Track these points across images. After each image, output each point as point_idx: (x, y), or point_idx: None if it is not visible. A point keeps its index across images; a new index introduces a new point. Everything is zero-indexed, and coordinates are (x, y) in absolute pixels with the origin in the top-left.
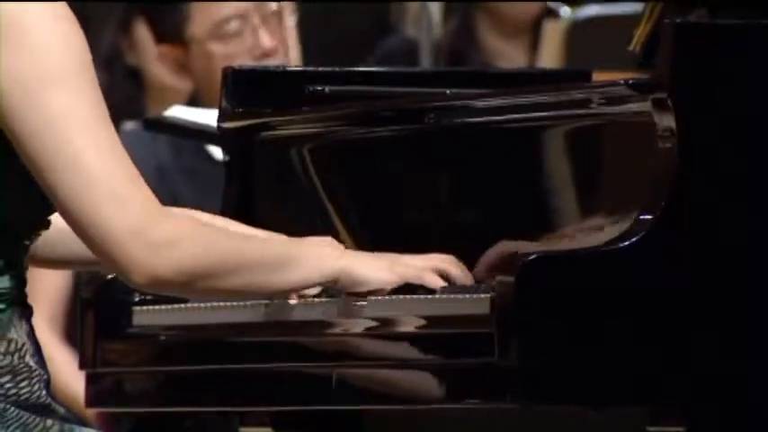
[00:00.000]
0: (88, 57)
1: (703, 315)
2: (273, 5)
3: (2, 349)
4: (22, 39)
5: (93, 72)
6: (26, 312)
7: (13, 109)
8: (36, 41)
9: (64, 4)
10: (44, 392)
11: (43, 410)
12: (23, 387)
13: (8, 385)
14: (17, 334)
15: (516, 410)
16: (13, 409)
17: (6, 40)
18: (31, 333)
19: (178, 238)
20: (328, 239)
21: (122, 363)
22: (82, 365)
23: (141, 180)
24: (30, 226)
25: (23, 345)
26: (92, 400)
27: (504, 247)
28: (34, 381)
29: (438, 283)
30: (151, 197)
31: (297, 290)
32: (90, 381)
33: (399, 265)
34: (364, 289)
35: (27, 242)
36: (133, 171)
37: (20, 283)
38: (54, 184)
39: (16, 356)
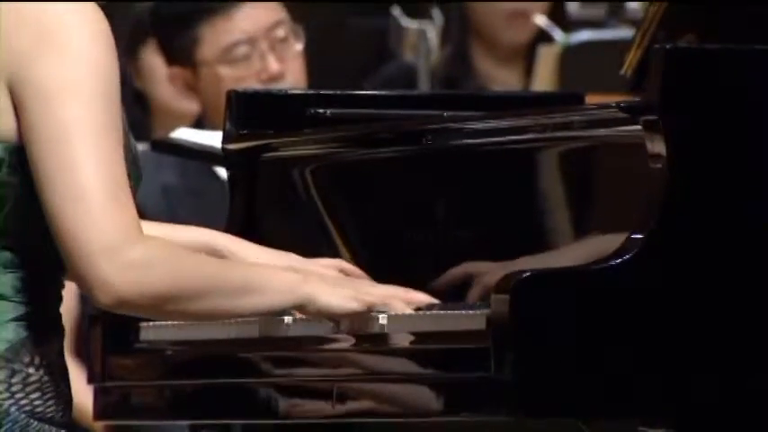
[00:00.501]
0: (115, 76)
1: (694, 331)
2: (281, 32)
3: (36, 362)
4: (58, 48)
5: (116, 93)
6: (59, 332)
7: (31, 113)
8: (71, 54)
9: (104, 20)
10: (68, 413)
11: (65, 428)
12: (50, 406)
13: (36, 402)
14: (48, 350)
15: (511, 423)
16: (36, 423)
17: (45, 46)
18: (61, 353)
19: (148, 262)
20: (295, 259)
21: (129, 377)
22: (90, 380)
23: (130, 203)
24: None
25: (53, 363)
26: (100, 413)
27: (468, 268)
28: (60, 401)
29: (404, 308)
30: (132, 220)
31: (261, 314)
32: (98, 394)
33: (364, 293)
34: (329, 316)
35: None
36: (124, 192)
37: (57, 302)
38: (46, 188)
39: (46, 373)
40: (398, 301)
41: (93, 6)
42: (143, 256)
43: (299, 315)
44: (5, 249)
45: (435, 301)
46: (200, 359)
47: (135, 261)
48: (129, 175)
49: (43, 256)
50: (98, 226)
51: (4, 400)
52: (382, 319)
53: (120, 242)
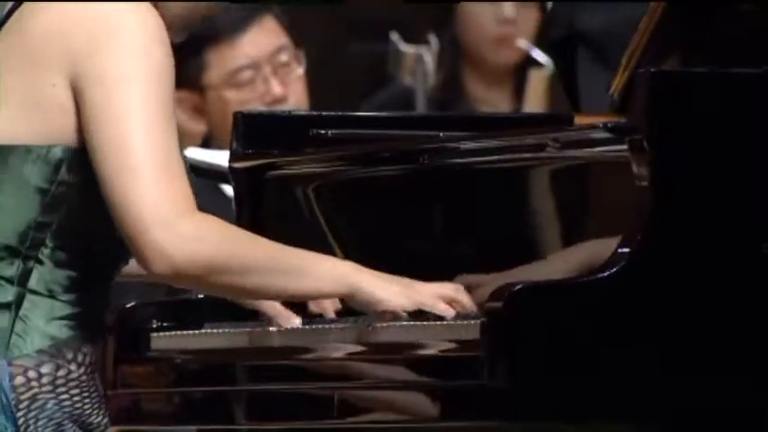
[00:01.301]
0: (167, 68)
1: (678, 339)
2: (283, 56)
3: (78, 360)
4: (117, 42)
5: (168, 80)
6: (101, 335)
7: (90, 103)
8: (128, 47)
9: (159, 19)
10: (102, 414)
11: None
12: (86, 404)
13: (75, 398)
14: (92, 351)
15: (506, 427)
16: (70, 425)
17: (104, 41)
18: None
19: (202, 234)
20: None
21: (140, 384)
22: (103, 387)
23: (184, 179)
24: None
25: (94, 364)
26: (113, 419)
27: (463, 280)
28: (96, 401)
29: (448, 311)
30: (187, 195)
31: (309, 298)
32: (111, 401)
33: (413, 291)
34: (378, 309)
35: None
36: (178, 169)
37: (105, 305)
38: (104, 170)
39: (86, 372)
40: (443, 304)
41: (149, 7)
42: (198, 228)
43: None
44: (59, 249)
45: (474, 307)
46: (207, 367)
47: (191, 233)
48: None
49: (95, 258)
50: (151, 197)
51: (45, 393)
52: (381, 329)
53: (173, 214)
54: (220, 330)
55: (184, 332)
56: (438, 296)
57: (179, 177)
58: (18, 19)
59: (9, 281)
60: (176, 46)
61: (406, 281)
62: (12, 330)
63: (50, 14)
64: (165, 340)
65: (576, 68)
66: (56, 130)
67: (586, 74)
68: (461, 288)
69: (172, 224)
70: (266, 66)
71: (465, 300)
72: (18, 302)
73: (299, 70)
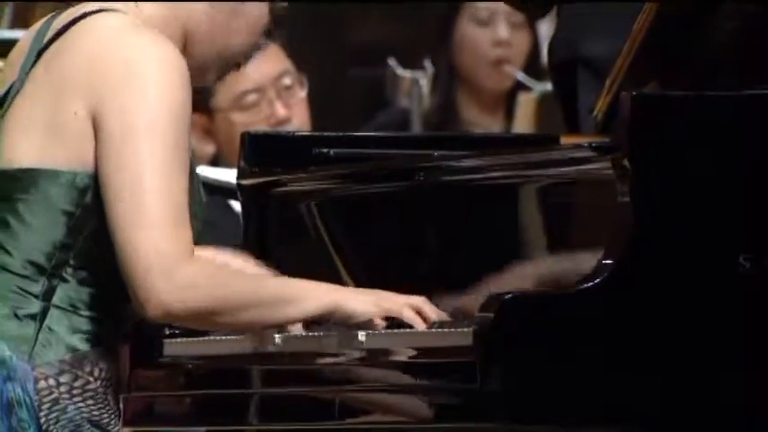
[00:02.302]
0: (186, 115)
1: (660, 346)
2: (287, 80)
3: (95, 373)
4: (139, 83)
5: (186, 129)
6: (119, 352)
7: (107, 138)
8: (150, 89)
9: (181, 60)
10: (117, 424)
11: None
12: (103, 415)
13: (92, 407)
14: (111, 365)
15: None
16: (89, 426)
17: (127, 80)
18: (118, 372)
19: (197, 281)
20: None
21: (154, 388)
22: (118, 390)
23: (188, 225)
24: None
25: (113, 377)
26: (127, 420)
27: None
28: (112, 411)
29: (415, 318)
30: (189, 241)
31: (295, 322)
32: (126, 404)
33: (384, 301)
34: (354, 321)
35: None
36: (185, 216)
37: (126, 321)
38: (112, 207)
39: (103, 385)
40: (411, 311)
41: (173, 48)
42: (192, 275)
43: (304, 332)
44: (82, 268)
45: (443, 314)
46: (216, 371)
47: (185, 280)
48: (192, 213)
49: (115, 278)
50: (156, 245)
51: (65, 399)
52: (381, 335)
53: (174, 263)
54: (228, 337)
55: (195, 339)
56: (405, 305)
57: (185, 225)
58: (51, 52)
59: (35, 296)
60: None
61: (377, 292)
62: (36, 339)
63: (81, 49)
64: (176, 347)
65: (578, 93)
66: (81, 156)
67: (589, 99)
68: (426, 300)
69: (171, 273)
70: (271, 89)
71: (429, 310)
72: (43, 315)
73: (302, 93)
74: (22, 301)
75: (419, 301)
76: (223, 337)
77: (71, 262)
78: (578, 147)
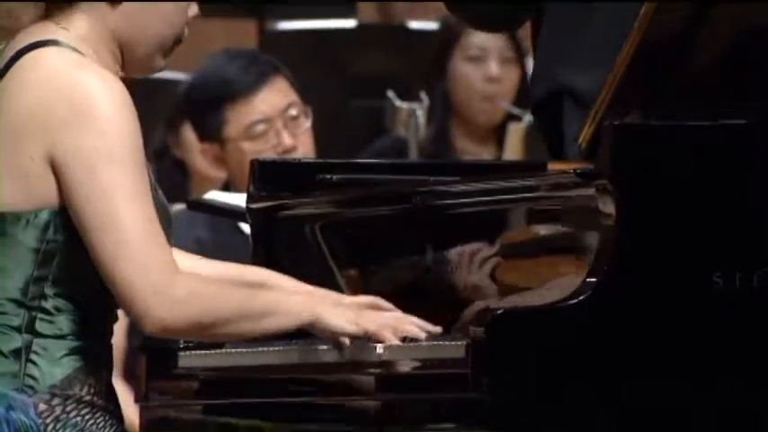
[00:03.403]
0: (139, 142)
1: (637, 358)
2: (293, 111)
3: (84, 389)
4: (90, 121)
5: (142, 155)
6: (108, 362)
7: (72, 180)
8: (101, 125)
9: (125, 91)
10: (119, 427)
11: None
12: (99, 421)
13: (87, 417)
14: (99, 378)
15: None
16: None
17: (78, 120)
18: (109, 380)
19: (188, 297)
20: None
21: (170, 397)
22: (136, 400)
23: (165, 243)
24: (112, 297)
25: (102, 389)
26: (145, 428)
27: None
28: (109, 417)
29: (391, 339)
30: (171, 258)
31: (279, 332)
32: (143, 412)
33: (363, 319)
34: (331, 335)
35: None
36: (160, 234)
37: (107, 337)
38: (95, 242)
39: (96, 393)
40: (389, 332)
41: (115, 80)
42: (183, 292)
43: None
44: (58, 296)
45: (422, 334)
46: (228, 382)
47: (177, 295)
48: (161, 221)
49: (93, 301)
50: (141, 267)
51: (65, 414)
52: (380, 348)
53: (162, 279)
54: (239, 350)
55: (208, 351)
56: (383, 326)
57: (162, 242)
58: (4, 97)
59: (17, 329)
60: (199, 103)
61: (357, 309)
62: (24, 373)
63: (29, 90)
64: (191, 359)
65: (562, 124)
66: (39, 196)
67: (572, 128)
68: (410, 319)
69: (162, 290)
70: (278, 120)
71: (411, 329)
72: (27, 348)
73: (307, 123)
74: (5, 339)
75: (403, 322)
76: (234, 350)
77: (46, 291)
78: (564, 173)
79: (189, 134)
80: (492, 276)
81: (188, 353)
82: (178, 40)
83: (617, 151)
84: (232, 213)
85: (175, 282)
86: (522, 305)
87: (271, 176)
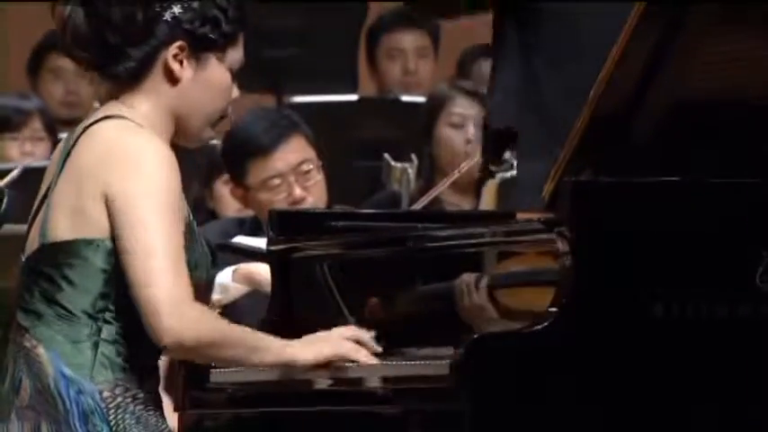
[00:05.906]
0: (175, 188)
1: (592, 378)
2: (306, 166)
3: (129, 398)
4: (136, 168)
5: (176, 200)
6: (153, 376)
7: (117, 212)
8: (145, 171)
9: (170, 152)
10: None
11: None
12: (151, 415)
13: (142, 409)
14: (142, 390)
15: None
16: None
17: (127, 167)
18: (155, 390)
19: (201, 318)
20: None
21: (204, 407)
22: (176, 408)
23: (185, 274)
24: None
25: (147, 398)
26: None
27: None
28: (160, 416)
29: (353, 353)
30: (189, 285)
31: (262, 366)
32: (181, 419)
33: (325, 349)
34: (309, 367)
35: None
36: (184, 264)
37: (154, 355)
38: (131, 263)
39: (140, 404)
40: (347, 348)
41: (161, 141)
42: (197, 313)
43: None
44: (118, 311)
45: (378, 349)
46: (255, 394)
47: (192, 316)
48: (201, 267)
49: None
50: (168, 289)
51: (125, 402)
52: (376, 364)
53: (183, 302)
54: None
55: (236, 369)
56: (341, 343)
57: (185, 271)
58: (71, 159)
59: (87, 335)
60: (228, 153)
61: (322, 336)
62: (94, 362)
63: (92, 149)
64: (222, 375)
65: (516, 166)
66: (102, 228)
67: (525, 173)
68: (362, 331)
69: (182, 311)
70: (291, 175)
71: (366, 339)
72: (95, 346)
73: (319, 176)
74: (79, 341)
75: (352, 332)
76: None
77: (110, 307)
78: (530, 221)
79: (221, 188)
80: (472, 304)
81: (219, 370)
82: (224, 115)
83: (573, 203)
84: (254, 255)
85: (191, 304)
86: (495, 330)
87: (286, 223)
